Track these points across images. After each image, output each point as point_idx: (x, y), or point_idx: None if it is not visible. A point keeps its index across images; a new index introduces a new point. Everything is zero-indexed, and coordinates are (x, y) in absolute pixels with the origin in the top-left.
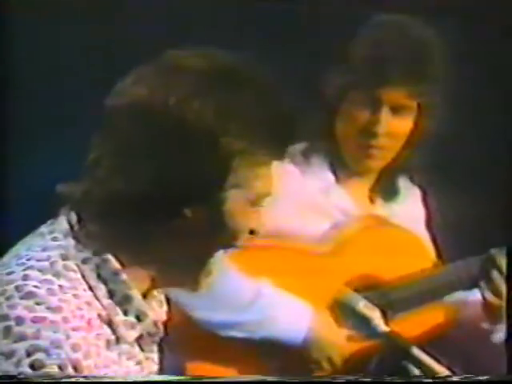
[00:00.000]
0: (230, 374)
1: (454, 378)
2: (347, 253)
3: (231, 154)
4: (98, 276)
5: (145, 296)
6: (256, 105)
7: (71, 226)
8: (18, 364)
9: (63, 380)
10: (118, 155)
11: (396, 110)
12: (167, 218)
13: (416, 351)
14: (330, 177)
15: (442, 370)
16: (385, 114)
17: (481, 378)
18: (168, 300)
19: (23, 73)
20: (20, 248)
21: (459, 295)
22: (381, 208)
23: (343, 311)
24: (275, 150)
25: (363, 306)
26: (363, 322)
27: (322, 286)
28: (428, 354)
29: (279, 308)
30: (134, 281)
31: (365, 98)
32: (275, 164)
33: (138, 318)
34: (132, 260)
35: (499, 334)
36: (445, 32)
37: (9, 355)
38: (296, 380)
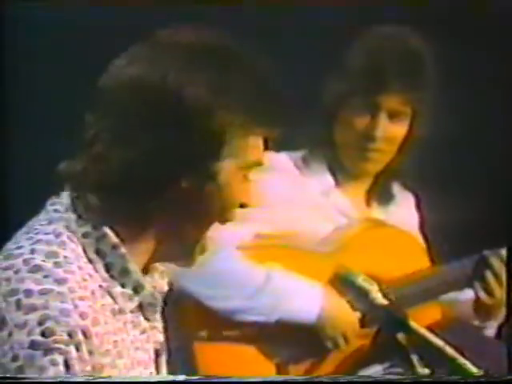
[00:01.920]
0: (246, 354)
1: (455, 379)
2: (347, 253)
3: (224, 126)
4: (97, 250)
5: (145, 269)
6: (246, 80)
7: (72, 201)
8: (29, 333)
9: (63, 380)
10: (116, 131)
11: (392, 115)
12: (163, 190)
13: (412, 323)
14: (330, 180)
15: (437, 341)
16: (383, 119)
17: (481, 378)
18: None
19: (22, 61)
20: (29, 224)
21: (453, 295)
22: (376, 211)
23: (343, 285)
24: (267, 125)
25: (362, 280)
26: (362, 295)
27: (325, 277)
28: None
29: (291, 289)
30: (133, 255)
31: (364, 104)
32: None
33: (136, 290)
34: (130, 234)
35: (489, 332)
36: (434, 42)
37: (22, 326)
38: (297, 380)
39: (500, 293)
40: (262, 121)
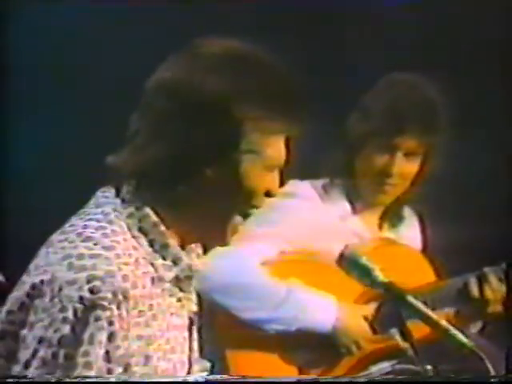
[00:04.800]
0: (270, 361)
1: (454, 379)
2: None
3: (243, 121)
4: (140, 228)
5: (183, 247)
6: (267, 82)
7: (116, 188)
8: (79, 289)
9: (66, 380)
10: (152, 127)
11: (408, 154)
12: (192, 177)
13: (411, 299)
14: (347, 207)
15: (433, 315)
16: (399, 158)
17: (481, 378)
18: (205, 251)
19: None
20: (80, 211)
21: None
22: (388, 233)
23: (348, 264)
24: (285, 122)
25: (365, 260)
26: (365, 273)
27: (341, 290)
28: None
29: (310, 302)
30: (171, 233)
31: (383, 144)
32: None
33: (175, 262)
34: (167, 215)
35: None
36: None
37: (72, 283)
38: (302, 380)
39: (493, 306)
40: (278, 116)
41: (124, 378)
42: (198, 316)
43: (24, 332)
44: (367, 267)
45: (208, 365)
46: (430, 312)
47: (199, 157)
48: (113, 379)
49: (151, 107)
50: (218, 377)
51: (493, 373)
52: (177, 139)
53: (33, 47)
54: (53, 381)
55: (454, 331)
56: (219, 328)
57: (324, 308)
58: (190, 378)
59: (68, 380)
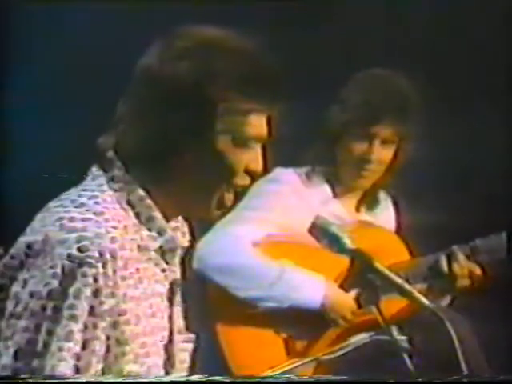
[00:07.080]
0: (258, 334)
1: (454, 379)
2: None
3: (216, 103)
4: (128, 201)
5: (168, 222)
6: (238, 65)
7: (106, 167)
8: (68, 248)
9: (65, 380)
10: (131, 112)
11: (384, 142)
12: (173, 159)
13: (378, 265)
14: (329, 192)
15: (397, 279)
16: (377, 146)
17: (481, 378)
18: (192, 231)
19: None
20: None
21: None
22: (365, 216)
23: (320, 232)
24: (259, 102)
25: (335, 228)
26: (335, 240)
27: (324, 269)
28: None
29: (301, 281)
30: (157, 207)
31: (362, 133)
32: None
33: (159, 233)
34: (153, 190)
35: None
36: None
37: (62, 242)
38: (302, 380)
39: (461, 281)
40: (251, 97)
41: (124, 378)
42: (182, 288)
43: (17, 289)
44: (336, 235)
45: (192, 336)
46: (395, 277)
47: (177, 139)
48: (112, 379)
49: (132, 93)
50: (218, 377)
51: (453, 334)
52: (155, 123)
53: (33, 47)
54: (51, 380)
55: (416, 294)
56: (210, 302)
57: (313, 286)
58: (192, 378)
59: (67, 380)
